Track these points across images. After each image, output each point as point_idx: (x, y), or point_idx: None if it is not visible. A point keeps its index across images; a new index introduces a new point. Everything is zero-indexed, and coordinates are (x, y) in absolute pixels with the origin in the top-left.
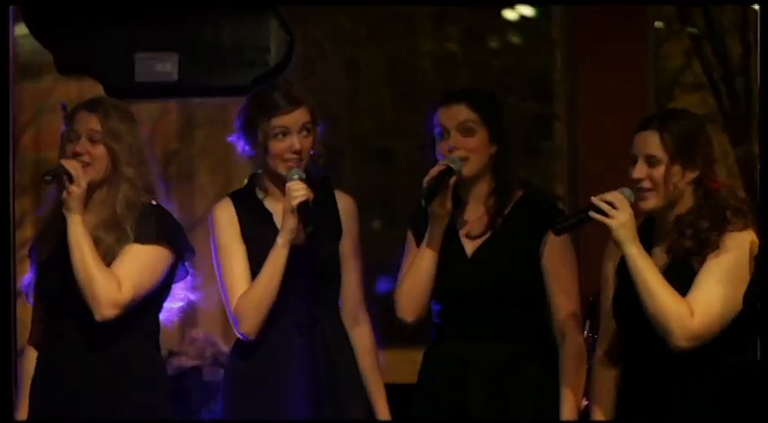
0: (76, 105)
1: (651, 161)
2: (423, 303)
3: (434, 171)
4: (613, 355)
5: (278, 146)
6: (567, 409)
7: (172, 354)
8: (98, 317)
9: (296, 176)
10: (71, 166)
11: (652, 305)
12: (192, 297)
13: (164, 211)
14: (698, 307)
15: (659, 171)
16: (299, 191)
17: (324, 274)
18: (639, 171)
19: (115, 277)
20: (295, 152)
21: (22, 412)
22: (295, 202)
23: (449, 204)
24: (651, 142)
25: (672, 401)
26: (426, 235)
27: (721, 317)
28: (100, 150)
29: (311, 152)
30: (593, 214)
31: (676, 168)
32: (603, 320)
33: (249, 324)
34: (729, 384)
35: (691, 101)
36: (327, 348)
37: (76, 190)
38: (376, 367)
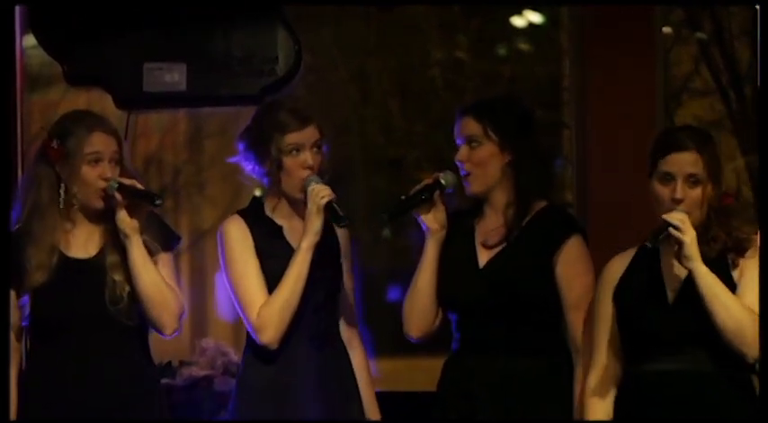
0: (85, 125)
1: (691, 181)
2: (426, 320)
3: (420, 184)
4: (611, 374)
5: (291, 162)
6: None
7: (182, 364)
8: (170, 331)
9: (315, 181)
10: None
11: (729, 320)
12: None
13: (157, 216)
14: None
15: (698, 191)
16: (324, 191)
17: (333, 290)
18: (681, 192)
19: (177, 289)
20: (308, 167)
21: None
22: (323, 202)
23: (440, 218)
24: (695, 163)
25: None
26: (423, 251)
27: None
28: (119, 171)
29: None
30: (672, 231)
31: (710, 187)
32: (599, 342)
33: (273, 331)
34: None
35: (699, 106)
36: (336, 362)
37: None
38: (372, 390)
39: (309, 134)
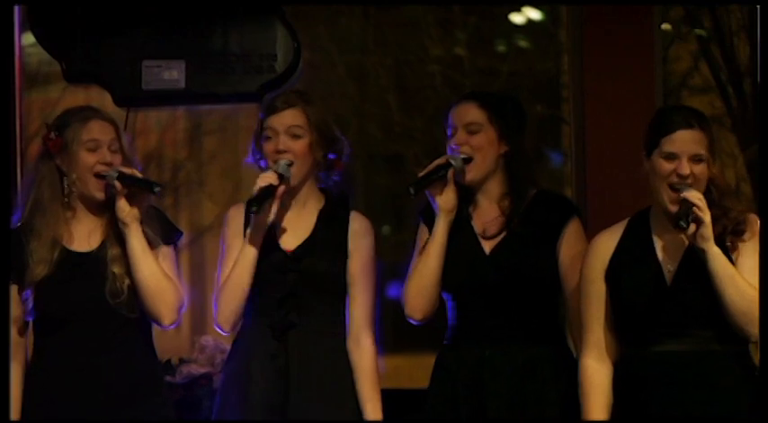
0: (82, 115)
1: (696, 159)
2: (430, 301)
3: (432, 164)
4: (606, 351)
5: (266, 147)
6: None
7: (182, 361)
8: (168, 322)
9: (279, 169)
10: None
11: (741, 300)
12: None
13: (159, 210)
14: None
15: (702, 168)
16: (263, 178)
17: (313, 285)
18: (687, 168)
19: (176, 282)
20: (278, 152)
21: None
22: (254, 188)
23: (452, 198)
24: (699, 142)
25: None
26: (433, 231)
27: None
28: (118, 160)
29: (317, 161)
30: (696, 211)
31: (710, 165)
32: (592, 320)
33: (222, 315)
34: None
35: (699, 103)
36: (303, 355)
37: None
38: (373, 389)
39: (283, 118)
